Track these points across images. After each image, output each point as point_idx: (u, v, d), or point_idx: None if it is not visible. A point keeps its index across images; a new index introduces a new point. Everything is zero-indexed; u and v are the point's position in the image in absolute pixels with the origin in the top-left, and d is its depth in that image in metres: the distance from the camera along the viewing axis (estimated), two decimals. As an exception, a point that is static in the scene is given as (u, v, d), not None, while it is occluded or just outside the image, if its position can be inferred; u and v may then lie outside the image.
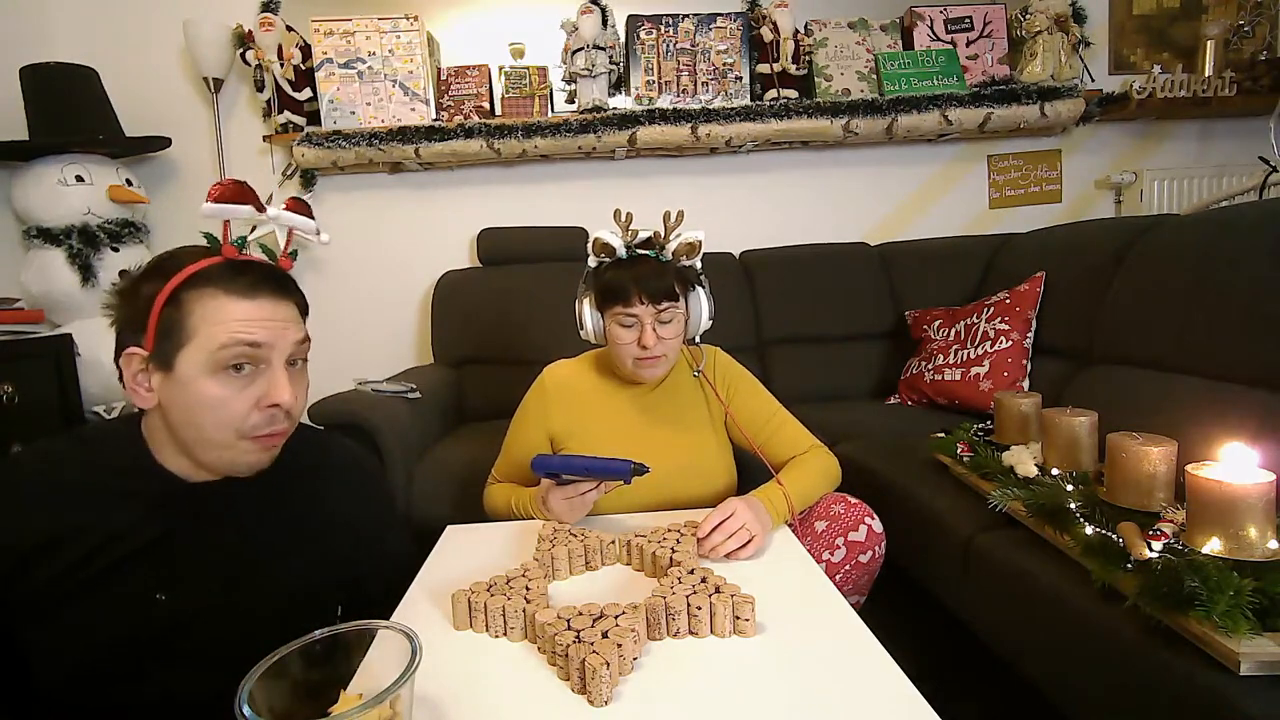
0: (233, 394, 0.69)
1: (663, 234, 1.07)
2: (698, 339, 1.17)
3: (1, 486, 0.71)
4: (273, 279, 0.74)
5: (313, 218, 0.85)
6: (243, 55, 2.19)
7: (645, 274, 1.05)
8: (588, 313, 1.12)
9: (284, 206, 0.82)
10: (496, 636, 0.72)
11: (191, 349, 0.68)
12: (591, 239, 1.08)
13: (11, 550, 0.67)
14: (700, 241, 1.08)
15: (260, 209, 0.77)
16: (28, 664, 0.70)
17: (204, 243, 0.75)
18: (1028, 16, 2.26)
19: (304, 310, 0.79)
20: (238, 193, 0.74)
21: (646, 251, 1.08)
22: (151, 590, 0.70)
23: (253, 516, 0.77)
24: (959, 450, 1.26)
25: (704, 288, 1.14)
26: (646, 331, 1.05)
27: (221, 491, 0.75)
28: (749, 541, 0.89)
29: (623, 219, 1.08)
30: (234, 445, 0.71)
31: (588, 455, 0.96)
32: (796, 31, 2.24)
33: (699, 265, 1.13)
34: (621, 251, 1.08)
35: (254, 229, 0.78)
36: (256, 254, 0.77)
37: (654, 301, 1.04)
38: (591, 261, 1.11)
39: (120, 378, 0.72)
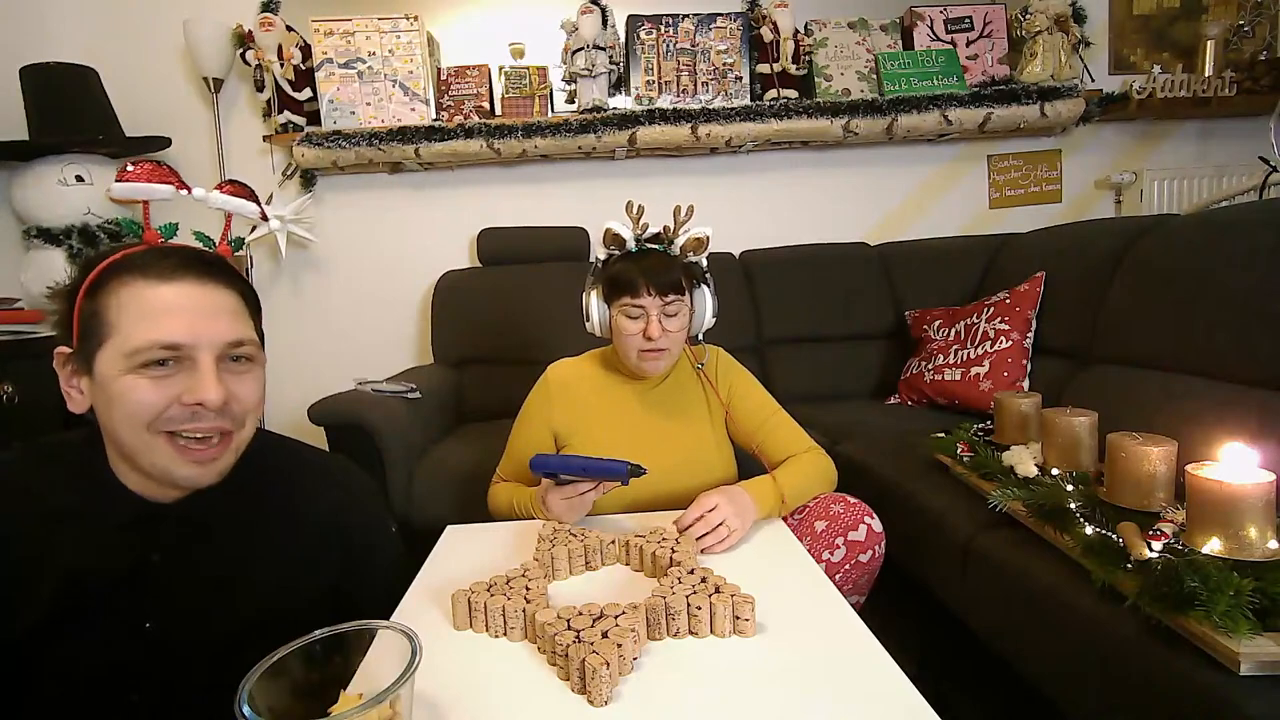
0: (148, 385, 0.62)
1: (673, 227, 1.09)
2: (700, 337, 1.17)
3: None
4: (201, 263, 0.66)
5: (256, 200, 0.78)
6: (243, 55, 2.19)
7: (653, 266, 1.06)
8: (594, 305, 1.13)
9: (215, 188, 0.76)
10: (496, 636, 0.72)
11: (109, 348, 0.62)
12: (602, 230, 1.09)
13: None
14: (708, 237, 1.09)
15: (183, 188, 0.70)
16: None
17: (202, 241, 0.71)
18: (1028, 16, 2.26)
19: (250, 303, 0.71)
20: (153, 173, 0.68)
21: (655, 246, 1.10)
22: (139, 620, 0.67)
23: (228, 533, 0.73)
24: (959, 450, 1.26)
25: (709, 286, 1.14)
26: (652, 323, 1.06)
27: (191, 510, 0.70)
28: (727, 535, 0.91)
29: (634, 210, 1.09)
30: (154, 447, 0.64)
31: (586, 456, 0.97)
32: (796, 31, 2.24)
33: (705, 263, 1.14)
34: (631, 243, 1.09)
35: (251, 233, 0.76)
36: (193, 242, 0.71)
37: (661, 294, 1.05)
38: (600, 253, 1.13)
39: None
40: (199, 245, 0.70)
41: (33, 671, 0.65)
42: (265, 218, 0.80)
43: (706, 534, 0.91)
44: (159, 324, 0.62)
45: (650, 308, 1.06)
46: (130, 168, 0.68)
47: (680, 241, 1.09)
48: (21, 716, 0.67)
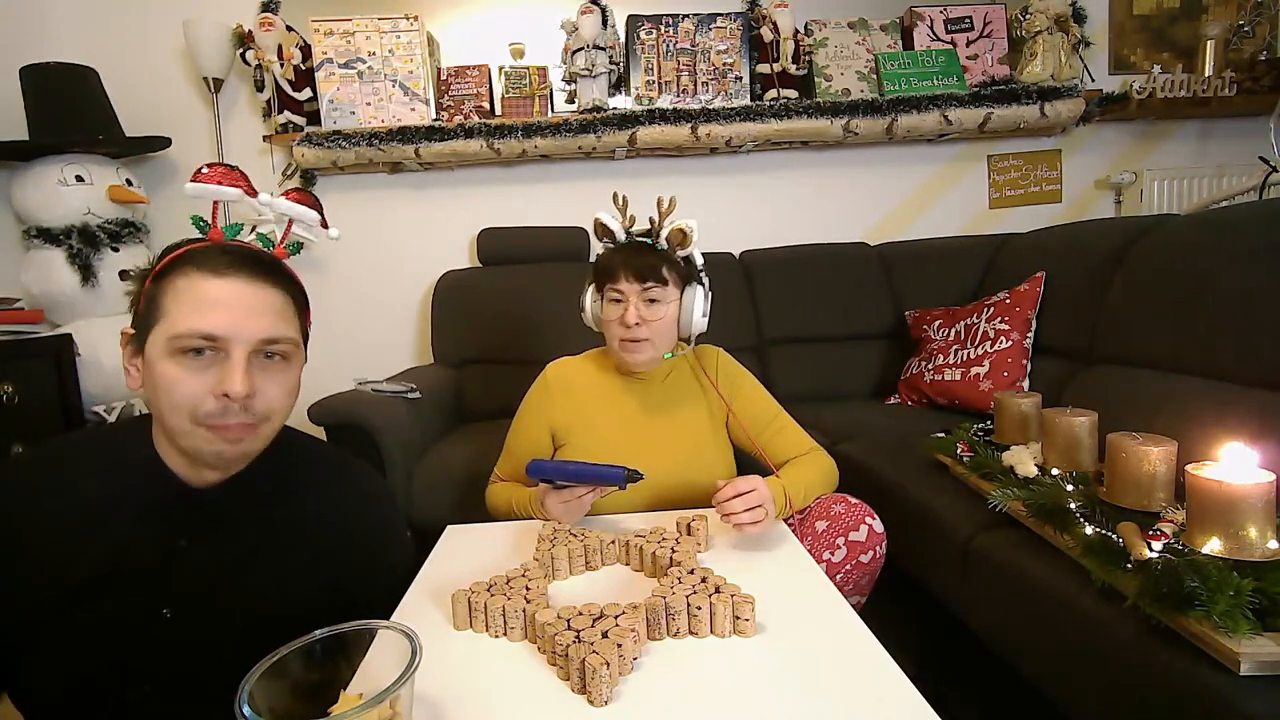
0: (188, 376, 0.66)
1: (657, 219, 1.11)
2: (692, 339, 1.16)
3: (21, 491, 0.69)
4: (254, 262, 0.70)
5: (320, 211, 0.82)
6: (243, 55, 2.19)
7: (634, 255, 1.09)
8: (589, 296, 1.16)
9: (282, 194, 0.79)
10: (496, 636, 0.72)
11: (157, 331, 0.67)
12: (593, 220, 1.13)
13: (24, 556, 0.66)
14: (690, 229, 1.09)
15: (251, 193, 0.75)
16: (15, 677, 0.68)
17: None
18: (1028, 16, 2.26)
19: (299, 303, 0.74)
20: (225, 175, 0.72)
21: (644, 240, 1.12)
22: (158, 606, 0.69)
23: (251, 524, 0.75)
24: (959, 450, 1.26)
25: (703, 285, 1.14)
26: (630, 309, 1.08)
27: (225, 499, 0.73)
28: (759, 521, 0.91)
29: (619, 201, 1.13)
30: (191, 431, 0.68)
31: (581, 461, 0.97)
32: (796, 31, 2.24)
33: (699, 261, 1.14)
34: (620, 235, 1.12)
35: (252, 229, 0.77)
36: (253, 243, 0.74)
37: (640, 280, 1.08)
38: (599, 248, 1.16)
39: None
40: (258, 246, 0.74)
41: (50, 657, 0.67)
42: (326, 225, 0.83)
43: (746, 510, 0.90)
44: (203, 314, 0.66)
45: (629, 294, 1.08)
46: (205, 169, 0.72)
47: (665, 233, 1.10)
48: (37, 701, 0.68)
